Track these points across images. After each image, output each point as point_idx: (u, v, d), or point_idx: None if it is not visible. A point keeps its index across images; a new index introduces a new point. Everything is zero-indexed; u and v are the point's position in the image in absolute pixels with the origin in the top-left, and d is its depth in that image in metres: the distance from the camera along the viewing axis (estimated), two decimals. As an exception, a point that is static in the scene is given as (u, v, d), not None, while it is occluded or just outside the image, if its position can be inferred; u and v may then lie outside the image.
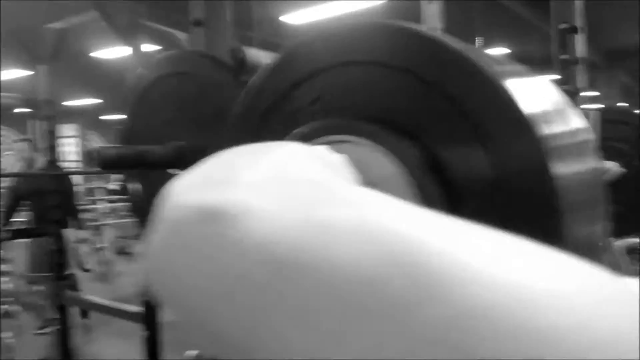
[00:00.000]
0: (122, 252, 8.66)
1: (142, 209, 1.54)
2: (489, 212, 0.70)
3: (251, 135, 0.90)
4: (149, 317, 2.35)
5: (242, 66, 1.45)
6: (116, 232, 9.18)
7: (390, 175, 0.74)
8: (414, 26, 0.75)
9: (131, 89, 1.53)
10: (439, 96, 0.71)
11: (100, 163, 1.23)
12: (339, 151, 0.77)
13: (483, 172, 0.70)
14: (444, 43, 0.70)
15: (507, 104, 0.67)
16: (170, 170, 1.42)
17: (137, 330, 2.55)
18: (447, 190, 0.72)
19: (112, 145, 1.25)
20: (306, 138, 0.79)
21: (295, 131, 0.81)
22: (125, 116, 1.58)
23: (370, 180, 0.74)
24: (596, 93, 12.31)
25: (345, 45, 0.80)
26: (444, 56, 0.70)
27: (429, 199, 0.72)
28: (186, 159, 1.40)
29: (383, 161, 0.75)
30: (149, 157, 1.33)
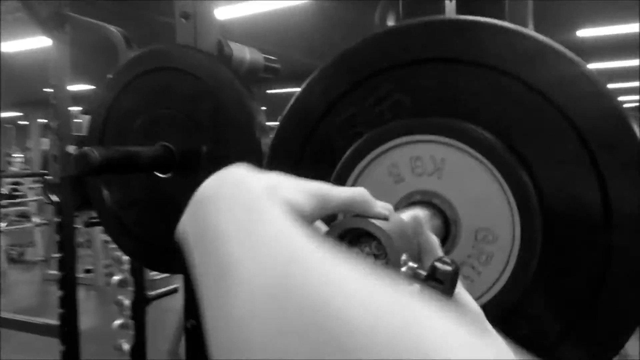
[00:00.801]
0: (17, 260, 7.94)
1: (110, 218, 1.37)
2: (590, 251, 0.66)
3: (300, 146, 0.81)
4: (66, 330, 2.10)
5: (227, 61, 1.34)
6: (9, 240, 8.40)
7: (490, 195, 0.68)
8: (519, 27, 0.69)
9: (107, 86, 1.36)
10: (550, 109, 0.67)
11: (87, 167, 1.06)
12: (437, 154, 0.70)
13: (591, 206, 0.65)
14: (563, 52, 0.66)
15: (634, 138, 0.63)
16: (157, 173, 1.27)
17: (49, 346, 2.28)
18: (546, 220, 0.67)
19: (97, 147, 1.08)
20: (389, 136, 0.72)
21: (377, 130, 0.74)
22: (94, 115, 1.40)
23: (469, 196, 0.68)
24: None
25: (425, 41, 0.73)
26: (563, 68, 0.66)
27: (528, 229, 0.66)
28: (177, 162, 1.26)
29: (484, 177, 0.69)
30: (139, 159, 1.18)
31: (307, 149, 0.81)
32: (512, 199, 0.67)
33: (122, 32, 1.57)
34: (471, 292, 0.70)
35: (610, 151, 0.64)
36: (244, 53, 1.49)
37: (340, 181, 0.77)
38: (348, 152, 0.76)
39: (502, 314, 0.70)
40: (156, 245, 1.33)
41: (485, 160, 0.68)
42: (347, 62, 0.78)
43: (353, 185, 0.76)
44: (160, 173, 1.26)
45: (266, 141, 1.21)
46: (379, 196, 0.74)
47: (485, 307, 0.69)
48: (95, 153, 1.08)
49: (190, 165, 1.25)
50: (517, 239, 0.67)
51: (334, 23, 6.34)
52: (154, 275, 3.56)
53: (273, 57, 1.61)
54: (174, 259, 1.31)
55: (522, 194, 0.66)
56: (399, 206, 0.73)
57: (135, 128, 1.30)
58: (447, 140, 0.70)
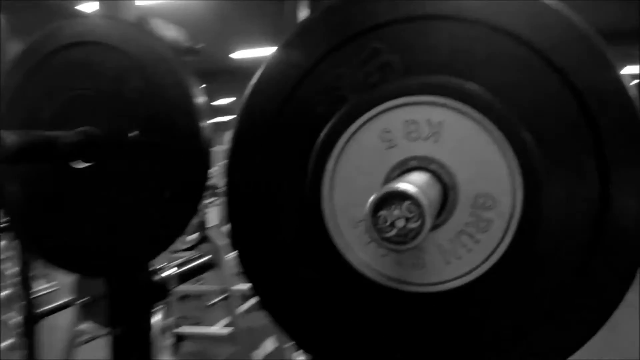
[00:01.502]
0: None
1: (21, 216, 1.18)
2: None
3: (275, 113, 0.74)
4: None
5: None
6: None
7: (490, 158, 0.66)
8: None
9: (12, 62, 1.18)
10: (546, 68, 0.65)
11: (4, 154, 0.90)
12: (434, 116, 0.66)
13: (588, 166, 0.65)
14: (560, 10, 0.65)
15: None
16: (75, 164, 1.12)
17: None
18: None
19: (13, 131, 0.92)
20: (381, 98, 0.67)
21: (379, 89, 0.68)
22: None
23: (468, 160, 0.65)
24: None
25: None
26: (561, 27, 0.65)
27: (532, 192, 0.65)
28: (101, 149, 1.11)
29: (484, 139, 0.66)
30: (59, 145, 1.02)
31: (284, 115, 0.74)
32: (513, 161, 0.65)
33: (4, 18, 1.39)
34: (469, 262, 0.67)
35: (606, 111, 0.63)
36: (166, 30, 1.38)
37: (327, 148, 0.71)
38: (335, 117, 0.70)
39: (500, 284, 0.67)
40: (76, 246, 1.16)
41: (486, 121, 0.65)
42: (331, 19, 0.72)
43: (341, 152, 0.70)
44: (83, 161, 1.10)
45: (208, 124, 1.11)
46: (370, 163, 0.70)
47: (484, 277, 0.67)
48: (12, 137, 0.92)
49: (117, 153, 1.12)
50: (519, 203, 0.65)
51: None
52: (44, 289, 3.23)
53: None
54: (96, 260, 1.17)
55: (525, 155, 0.64)
56: (392, 174, 0.68)
57: (50, 112, 1.13)
58: (444, 100, 0.67)
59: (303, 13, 2.60)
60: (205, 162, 1.09)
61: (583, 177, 0.64)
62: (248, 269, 0.77)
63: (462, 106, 0.66)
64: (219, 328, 3.50)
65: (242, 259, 0.77)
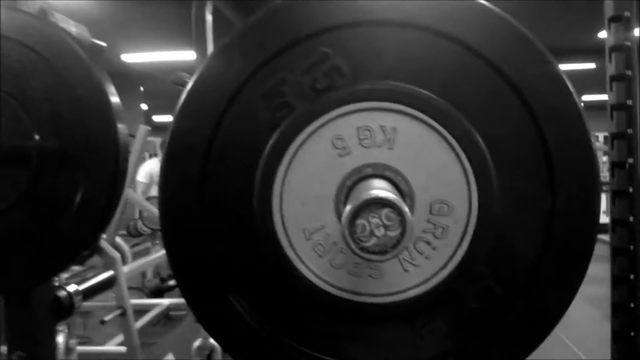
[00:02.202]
0: None
1: None
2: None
3: (215, 119, 0.68)
4: None
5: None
6: None
7: (445, 164, 0.66)
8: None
9: None
10: (493, 74, 0.66)
11: None
12: (388, 122, 0.64)
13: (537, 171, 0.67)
14: (504, 17, 0.66)
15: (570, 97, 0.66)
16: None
17: None
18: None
19: None
20: (338, 104, 0.65)
21: (328, 97, 0.65)
22: None
23: (423, 166, 0.65)
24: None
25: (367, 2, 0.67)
26: (505, 32, 0.66)
27: (487, 197, 0.66)
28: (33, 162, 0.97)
29: (438, 146, 0.66)
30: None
31: (224, 123, 0.68)
32: (468, 167, 0.65)
33: None
34: (427, 270, 0.67)
35: (552, 115, 0.65)
36: (69, 25, 1.25)
37: (276, 157, 0.66)
38: (284, 125, 0.66)
39: (459, 288, 0.67)
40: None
41: (439, 128, 0.65)
42: (276, 22, 0.68)
43: (291, 161, 0.66)
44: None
45: (123, 128, 1.02)
46: (323, 171, 0.67)
47: (444, 283, 0.66)
48: None
49: (16, 162, 0.98)
50: (475, 208, 0.65)
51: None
52: None
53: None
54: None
55: (480, 161, 0.65)
56: (347, 181, 0.66)
57: None
58: (398, 107, 0.65)
59: (210, 16, 2.51)
60: (118, 171, 1.00)
61: (532, 178, 0.66)
62: (190, 289, 0.70)
63: (416, 112, 0.65)
64: (114, 346, 3.27)
65: (186, 277, 0.70)
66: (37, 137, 0.99)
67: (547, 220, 0.66)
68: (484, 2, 0.66)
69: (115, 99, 1.02)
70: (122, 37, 7.45)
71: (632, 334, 1.33)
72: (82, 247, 0.99)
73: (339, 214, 0.66)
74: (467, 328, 0.69)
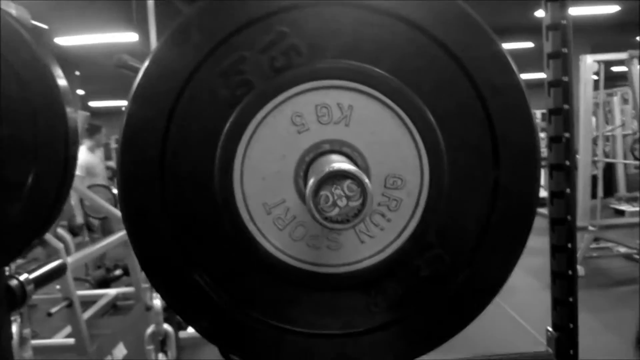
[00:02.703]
0: None
1: None
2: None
3: (171, 100, 0.69)
4: None
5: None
6: None
7: (398, 140, 0.69)
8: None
9: None
10: (446, 57, 0.70)
11: None
12: (344, 100, 0.67)
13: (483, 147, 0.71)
14: (462, 5, 0.70)
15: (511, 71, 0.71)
16: None
17: None
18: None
19: None
20: (296, 82, 0.67)
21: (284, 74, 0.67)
22: None
23: (378, 142, 0.68)
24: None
25: None
26: (459, 17, 0.70)
27: (438, 171, 0.69)
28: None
29: (392, 122, 0.69)
30: None
31: (182, 101, 0.69)
32: (420, 143, 0.68)
33: None
34: (382, 240, 0.70)
35: (496, 92, 0.70)
36: (9, 8, 1.21)
37: (236, 133, 0.68)
38: (243, 103, 0.68)
39: (411, 258, 0.71)
40: None
41: (393, 105, 0.68)
42: (231, 2, 0.69)
43: (251, 137, 0.68)
44: None
45: (72, 112, 1.00)
46: (282, 147, 0.69)
47: (398, 252, 0.70)
48: None
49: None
50: (426, 181, 0.69)
51: None
52: None
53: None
54: None
55: (431, 137, 0.68)
56: (306, 157, 0.68)
57: None
58: (354, 85, 0.68)
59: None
60: (69, 158, 0.98)
61: (478, 152, 0.70)
62: (154, 269, 0.71)
63: (371, 90, 0.68)
64: (62, 339, 3.19)
65: (150, 259, 0.71)
66: (-19, 121, 0.95)
67: (491, 192, 0.70)
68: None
69: (62, 81, 1.00)
70: (55, 20, 7.12)
71: (571, 299, 1.42)
72: (33, 235, 0.97)
73: (298, 189, 0.68)
74: (417, 295, 0.73)
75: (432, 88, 0.70)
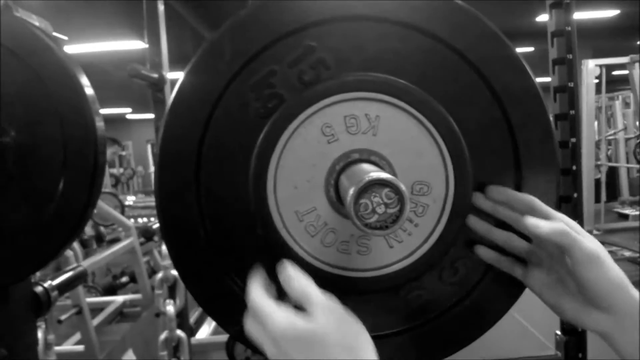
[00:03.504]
0: None
1: None
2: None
3: (206, 112, 0.72)
4: None
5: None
6: None
7: (424, 148, 0.72)
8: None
9: None
10: (466, 67, 0.73)
11: None
12: (371, 111, 0.70)
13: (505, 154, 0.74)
14: (479, 16, 0.73)
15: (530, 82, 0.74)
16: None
17: None
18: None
19: None
20: (323, 95, 0.70)
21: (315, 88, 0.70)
22: None
23: (404, 151, 0.71)
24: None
25: None
26: (477, 29, 0.73)
27: (462, 177, 0.72)
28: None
29: (418, 131, 0.72)
30: None
31: (216, 112, 0.72)
32: (445, 151, 0.71)
33: None
34: (410, 245, 0.73)
35: (518, 105, 0.73)
36: (33, 20, 1.24)
37: (269, 143, 0.71)
38: (277, 114, 0.71)
39: (438, 261, 0.74)
40: None
41: (418, 115, 0.71)
42: (265, 16, 0.72)
43: (284, 148, 0.71)
44: None
45: (100, 121, 1.03)
46: (313, 157, 0.72)
47: (425, 256, 0.73)
48: None
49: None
50: (452, 187, 0.72)
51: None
52: None
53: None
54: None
55: (455, 144, 0.71)
56: (336, 166, 0.71)
57: None
58: (380, 96, 0.71)
59: (162, 3, 2.47)
60: (97, 165, 1.01)
61: (501, 159, 0.73)
62: (191, 277, 0.74)
63: (396, 101, 0.71)
64: (72, 345, 3.21)
65: (187, 267, 0.74)
66: (12, 133, 0.98)
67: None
68: (461, 3, 0.73)
69: (90, 91, 1.03)
70: (60, 28, 7.17)
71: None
72: (63, 243, 1.00)
73: (329, 197, 0.71)
74: (442, 298, 0.76)
75: (453, 97, 0.72)
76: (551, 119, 0.75)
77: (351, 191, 0.56)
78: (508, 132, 0.73)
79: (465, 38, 0.72)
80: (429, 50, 0.72)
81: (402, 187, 0.56)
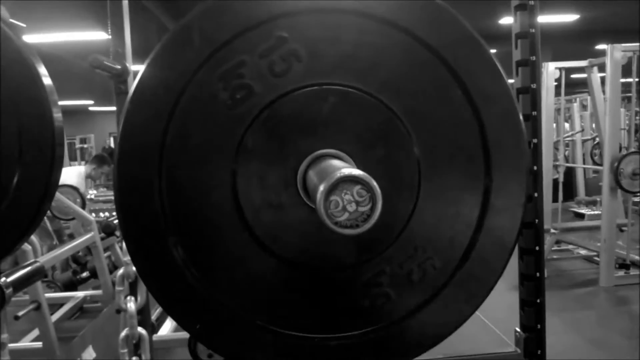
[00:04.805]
0: None
1: None
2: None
3: (169, 104, 0.70)
4: None
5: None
6: None
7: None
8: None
9: None
10: (439, 64, 0.72)
11: None
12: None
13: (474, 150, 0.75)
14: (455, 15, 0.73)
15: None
16: None
17: None
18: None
19: None
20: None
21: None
22: None
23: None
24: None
25: None
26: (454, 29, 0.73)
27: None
28: None
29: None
30: None
31: (181, 102, 0.70)
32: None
33: None
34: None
35: (489, 102, 0.73)
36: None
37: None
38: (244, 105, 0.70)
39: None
40: None
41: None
42: (235, 4, 0.70)
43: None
44: None
45: (58, 114, 0.99)
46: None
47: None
48: None
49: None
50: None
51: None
52: None
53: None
54: None
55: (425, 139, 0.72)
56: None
57: None
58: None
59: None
60: (55, 157, 0.98)
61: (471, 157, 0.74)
62: (152, 278, 0.73)
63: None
64: (30, 342, 3.11)
65: (142, 263, 0.72)
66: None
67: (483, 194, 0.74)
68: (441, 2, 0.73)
69: (48, 81, 0.99)
70: (22, 17, 6.93)
71: (538, 300, 1.47)
72: (19, 236, 0.97)
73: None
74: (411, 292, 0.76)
75: (423, 92, 0.72)
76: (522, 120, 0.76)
77: (321, 188, 0.54)
78: (479, 133, 0.73)
79: (442, 37, 0.72)
80: (403, 47, 0.72)
81: (375, 184, 0.55)
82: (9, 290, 1.14)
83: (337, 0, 0.71)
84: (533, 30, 1.45)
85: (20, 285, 1.22)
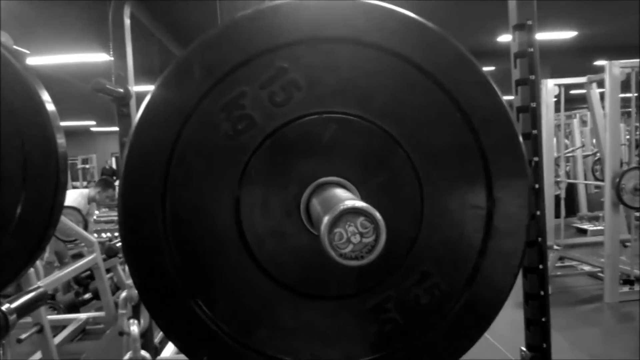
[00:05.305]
0: None
1: None
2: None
3: (173, 135, 0.71)
4: None
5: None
6: None
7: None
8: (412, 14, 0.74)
9: None
10: (438, 90, 0.73)
11: None
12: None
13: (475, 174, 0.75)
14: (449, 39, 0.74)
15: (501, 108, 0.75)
16: None
17: None
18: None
19: None
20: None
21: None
22: None
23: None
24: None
25: (325, 20, 0.72)
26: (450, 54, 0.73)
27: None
28: None
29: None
30: None
31: (184, 133, 0.71)
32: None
33: None
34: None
35: (486, 124, 0.73)
36: (-6, 36, 1.21)
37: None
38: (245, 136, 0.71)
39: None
40: None
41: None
42: (235, 36, 0.72)
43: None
44: None
45: (62, 140, 1.00)
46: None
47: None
48: None
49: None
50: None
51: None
52: None
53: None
54: None
55: (425, 165, 0.72)
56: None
57: None
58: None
59: (128, 17, 2.44)
60: (59, 183, 0.99)
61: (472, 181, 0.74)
62: (157, 307, 0.73)
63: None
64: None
65: (148, 293, 0.72)
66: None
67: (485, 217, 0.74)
68: (429, 24, 0.73)
69: (51, 107, 1.00)
70: (25, 40, 7.00)
71: (543, 319, 1.46)
72: (24, 263, 0.97)
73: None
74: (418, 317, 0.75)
75: (422, 117, 0.73)
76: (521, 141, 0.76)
77: (325, 220, 0.55)
78: (479, 155, 0.73)
79: (437, 61, 0.72)
80: (400, 72, 0.72)
81: (378, 215, 0.55)
82: (12, 317, 1.14)
83: (334, 29, 0.72)
84: (532, 50, 1.45)
85: (23, 311, 1.22)
